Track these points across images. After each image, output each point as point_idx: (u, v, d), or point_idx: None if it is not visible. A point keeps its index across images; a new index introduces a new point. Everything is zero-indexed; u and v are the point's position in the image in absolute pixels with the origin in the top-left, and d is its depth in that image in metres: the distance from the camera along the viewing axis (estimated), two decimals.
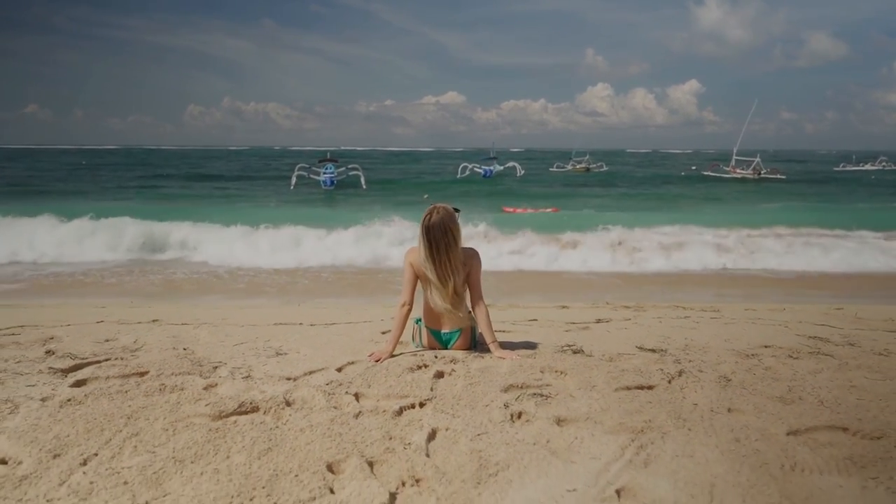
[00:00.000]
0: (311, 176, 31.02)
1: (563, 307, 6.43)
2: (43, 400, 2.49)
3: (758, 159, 41.34)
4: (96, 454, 1.95)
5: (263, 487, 1.75)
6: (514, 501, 1.72)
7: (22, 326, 4.25)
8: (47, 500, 1.67)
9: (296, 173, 31.22)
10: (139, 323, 4.60)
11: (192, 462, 1.91)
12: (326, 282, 9.41)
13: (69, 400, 2.49)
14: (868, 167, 59.01)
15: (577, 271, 10.28)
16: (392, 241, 11.29)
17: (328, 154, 36.62)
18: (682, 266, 10.48)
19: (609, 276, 10.05)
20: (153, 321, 4.71)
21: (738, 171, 40.33)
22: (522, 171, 40.00)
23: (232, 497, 1.70)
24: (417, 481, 1.84)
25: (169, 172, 44.25)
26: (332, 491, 1.77)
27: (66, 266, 10.01)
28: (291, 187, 30.26)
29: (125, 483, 1.77)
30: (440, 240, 3.23)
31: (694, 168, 57.66)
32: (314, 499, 1.71)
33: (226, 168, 53.20)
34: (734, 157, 42.09)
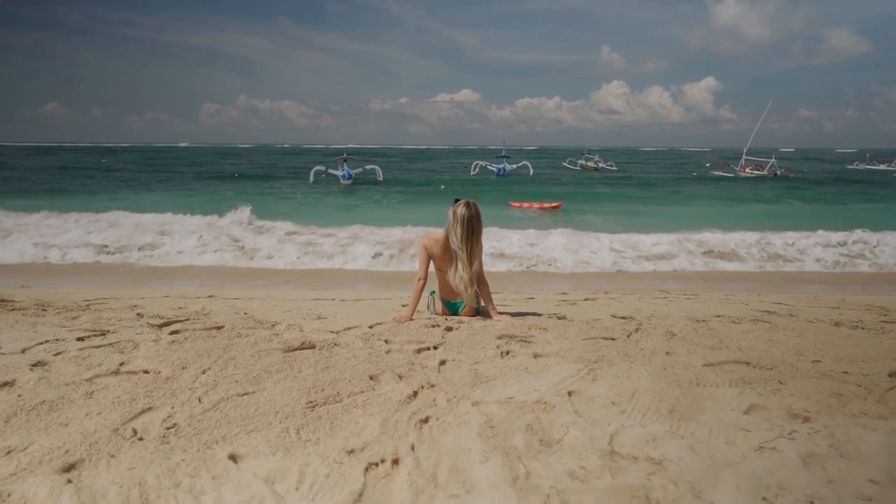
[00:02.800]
0: (330, 171, 32.32)
1: (562, 293, 7.22)
2: (154, 341, 3.36)
3: (773, 160, 41.67)
4: (210, 368, 2.82)
5: (329, 384, 2.60)
6: (496, 395, 2.55)
7: (106, 298, 5.15)
8: (189, 389, 2.52)
9: (314, 170, 32.63)
10: (198, 297, 5.49)
11: (277, 373, 2.77)
12: (349, 276, 10.28)
13: (173, 341, 3.36)
14: (884, 167, 58.83)
15: (576, 271, 10.99)
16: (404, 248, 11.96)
17: (344, 154, 37.88)
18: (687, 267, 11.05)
19: (615, 274, 10.77)
20: (209, 296, 5.60)
21: (747, 170, 40.69)
22: (532, 171, 40.74)
23: (308, 389, 2.55)
24: (432, 386, 2.68)
25: (191, 171, 45.52)
26: (374, 389, 2.61)
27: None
28: (310, 182, 31.64)
29: (236, 381, 2.63)
30: (475, 228, 4.13)
31: (707, 165, 57.98)
32: (363, 392, 2.56)
33: (245, 166, 54.40)
34: (744, 156, 42.42)
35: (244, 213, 13.46)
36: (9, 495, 1.65)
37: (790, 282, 9.50)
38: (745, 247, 12.07)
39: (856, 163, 63.55)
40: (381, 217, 16.04)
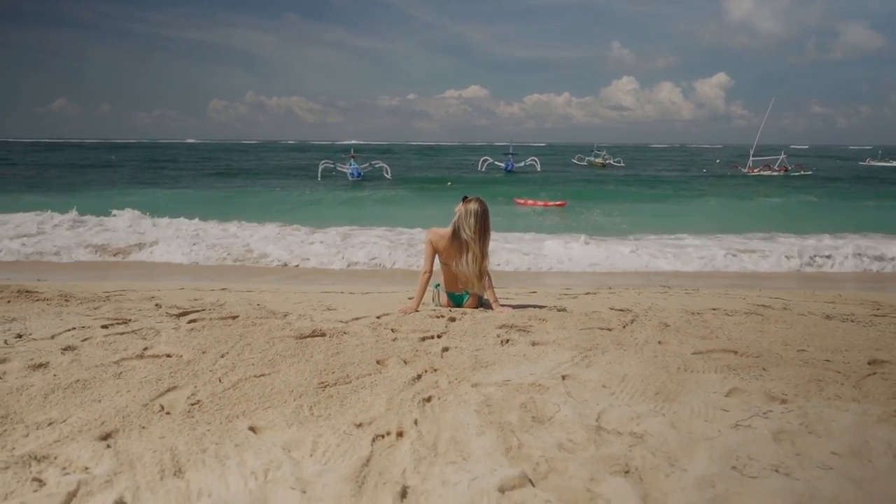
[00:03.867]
0: (339, 168, 32.60)
1: (565, 288, 7.38)
2: (174, 328, 3.57)
3: (783, 156, 41.35)
4: (228, 352, 3.02)
5: (339, 368, 2.80)
6: (494, 378, 2.74)
7: (124, 290, 5.38)
8: (209, 370, 2.72)
9: (321, 167, 32.94)
10: (212, 290, 5.71)
11: (290, 357, 2.97)
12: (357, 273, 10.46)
13: (192, 329, 3.56)
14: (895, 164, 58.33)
15: (576, 270, 11.05)
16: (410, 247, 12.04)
17: (352, 150, 38.17)
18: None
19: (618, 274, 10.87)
20: (223, 289, 5.81)
21: (755, 171, 40.47)
22: (540, 167, 40.86)
23: (320, 372, 2.74)
24: (435, 370, 2.87)
25: (199, 167, 45.88)
26: (380, 372, 2.80)
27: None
28: (318, 179, 31.91)
29: (252, 364, 2.83)
30: (488, 222, 4.40)
31: (718, 161, 57.79)
32: (370, 374, 2.75)
33: (252, 162, 54.73)
34: (751, 157, 42.09)
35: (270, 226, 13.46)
36: (55, 458, 1.85)
37: (821, 281, 9.18)
38: (754, 250, 12.00)
39: (867, 159, 63.04)
40: (389, 214, 16.26)
